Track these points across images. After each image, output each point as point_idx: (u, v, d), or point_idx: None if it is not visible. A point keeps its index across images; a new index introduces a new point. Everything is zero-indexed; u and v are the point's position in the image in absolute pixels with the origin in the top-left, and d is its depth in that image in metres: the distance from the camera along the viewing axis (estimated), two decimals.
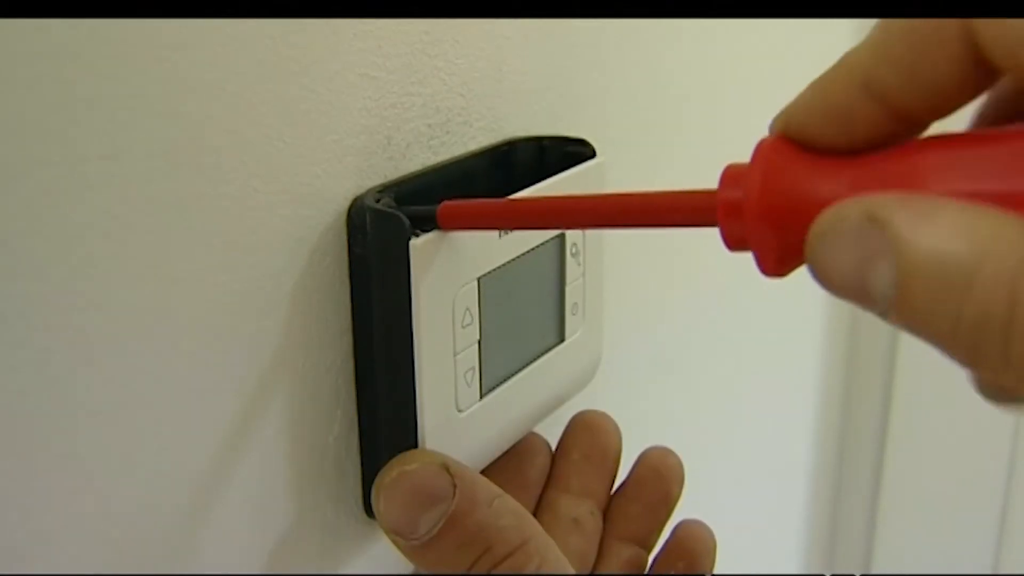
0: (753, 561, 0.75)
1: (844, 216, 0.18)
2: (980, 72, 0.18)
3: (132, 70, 0.22)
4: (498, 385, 0.31)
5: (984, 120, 0.21)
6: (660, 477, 0.35)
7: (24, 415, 0.22)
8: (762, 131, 0.21)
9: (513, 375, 0.32)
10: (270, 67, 0.25)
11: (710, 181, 0.23)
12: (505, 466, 0.33)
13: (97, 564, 0.24)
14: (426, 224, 0.27)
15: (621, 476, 0.36)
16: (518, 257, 0.31)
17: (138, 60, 0.22)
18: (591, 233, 0.35)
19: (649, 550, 0.35)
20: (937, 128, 0.20)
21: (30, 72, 0.20)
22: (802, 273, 0.24)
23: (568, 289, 0.34)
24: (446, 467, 0.28)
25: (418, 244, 0.27)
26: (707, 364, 0.58)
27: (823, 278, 0.19)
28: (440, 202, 0.27)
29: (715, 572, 0.36)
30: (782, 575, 0.83)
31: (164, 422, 0.25)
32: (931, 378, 0.86)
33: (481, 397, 0.31)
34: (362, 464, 0.31)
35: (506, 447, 0.33)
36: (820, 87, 0.20)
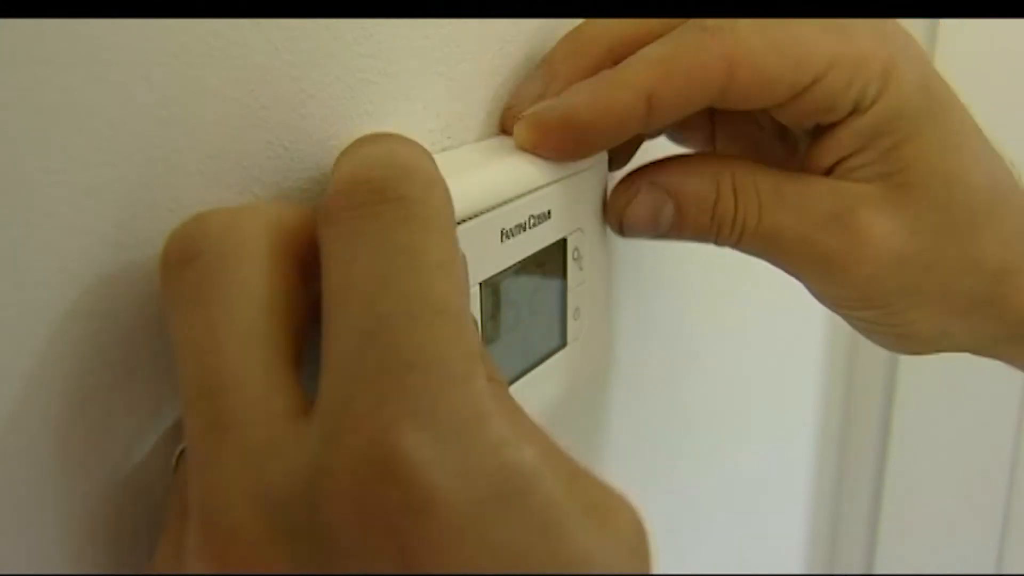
0: (755, 562, 0.75)
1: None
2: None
3: (129, 73, 0.22)
4: None
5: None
6: None
7: (20, 425, 0.22)
8: None
9: (515, 380, 0.32)
10: (269, 71, 0.25)
11: None
12: None
13: (100, 565, 0.24)
14: None
15: None
16: (520, 262, 0.31)
17: (136, 63, 0.22)
18: (594, 238, 0.34)
19: None
20: None
21: (24, 77, 0.20)
22: None
23: (570, 294, 0.34)
24: None
25: None
26: (710, 367, 0.58)
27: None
28: None
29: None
30: (784, 575, 0.83)
31: (163, 424, 0.25)
32: (933, 380, 0.87)
33: None
34: None
35: None
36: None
